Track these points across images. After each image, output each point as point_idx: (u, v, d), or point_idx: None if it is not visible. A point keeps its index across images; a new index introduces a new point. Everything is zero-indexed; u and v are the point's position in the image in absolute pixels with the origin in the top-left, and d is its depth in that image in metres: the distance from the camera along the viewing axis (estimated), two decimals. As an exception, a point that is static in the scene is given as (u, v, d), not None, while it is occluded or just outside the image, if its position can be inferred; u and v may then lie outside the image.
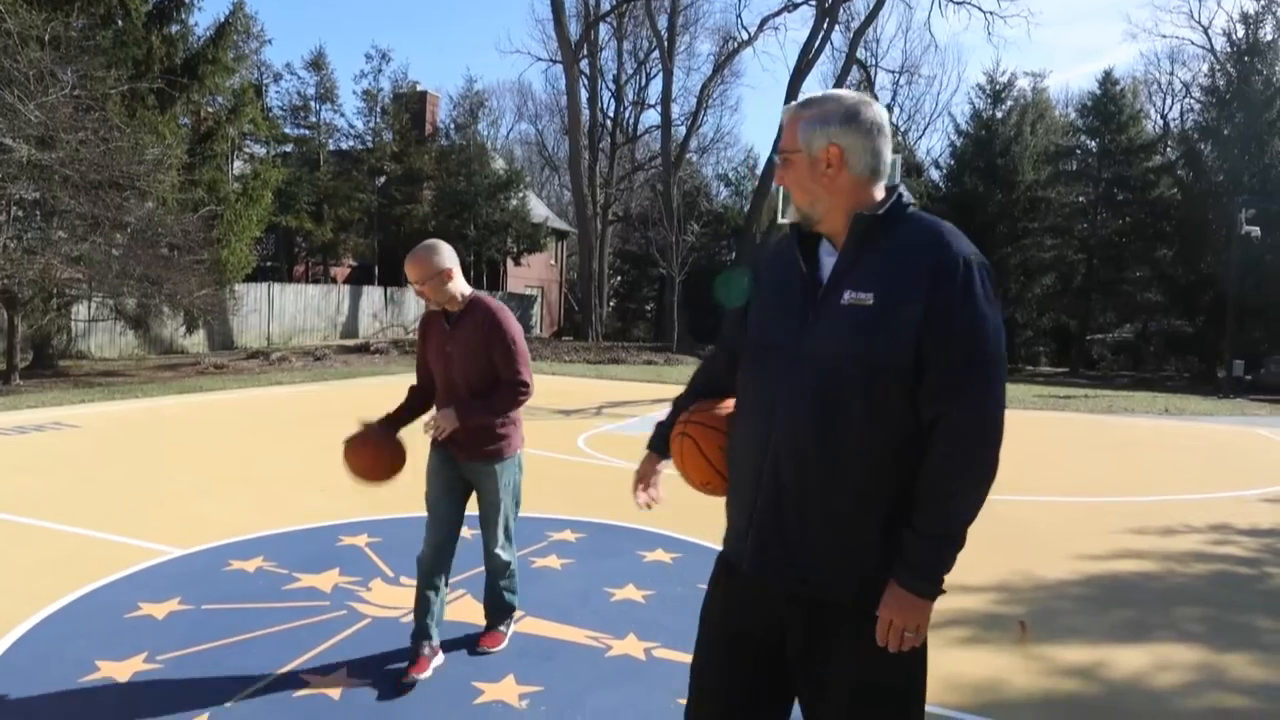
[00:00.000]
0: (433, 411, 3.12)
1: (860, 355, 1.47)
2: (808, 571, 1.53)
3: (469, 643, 3.36)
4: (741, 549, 1.62)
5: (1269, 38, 24.25)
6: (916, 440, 1.48)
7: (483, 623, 3.43)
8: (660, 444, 1.94)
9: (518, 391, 3.07)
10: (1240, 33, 23.96)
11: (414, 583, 3.29)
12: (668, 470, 1.95)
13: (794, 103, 1.62)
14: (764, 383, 1.59)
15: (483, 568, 3.35)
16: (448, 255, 3.08)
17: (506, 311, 3.14)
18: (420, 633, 3.13)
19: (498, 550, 3.25)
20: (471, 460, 3.14)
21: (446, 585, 3.22)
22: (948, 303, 1.44)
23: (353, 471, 3.03)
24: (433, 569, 3.13)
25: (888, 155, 1.60)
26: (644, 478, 1.97)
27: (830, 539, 1.51)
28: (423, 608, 3.13)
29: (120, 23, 13.61)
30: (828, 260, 1.58)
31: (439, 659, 3.13)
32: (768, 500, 1.56)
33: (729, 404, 1.77)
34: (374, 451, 3.02)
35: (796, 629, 1.56)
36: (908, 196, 1.58)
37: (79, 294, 12.96)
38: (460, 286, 3.10)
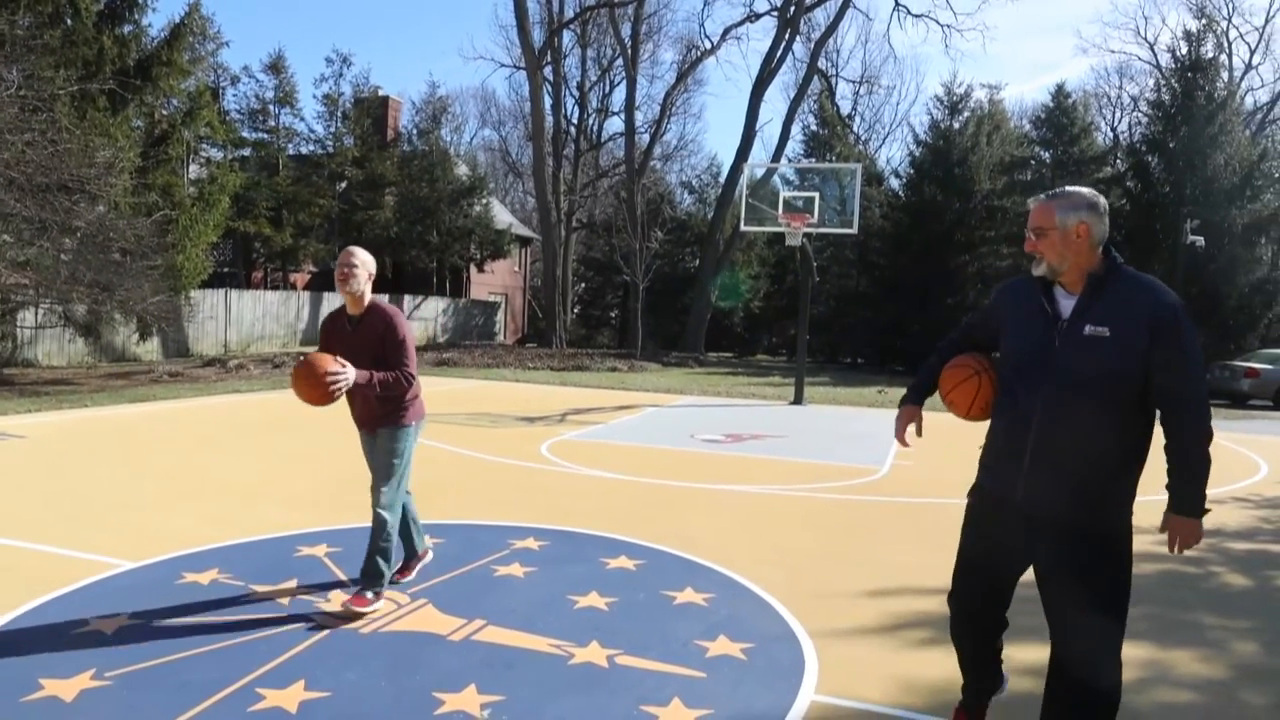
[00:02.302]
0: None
1: (1101, 369, 2.26)
2: (1060, 505, 2.33)
3: (429, 653, 3.32)
4: (1012, 488, 2.41)
5: (1210, 54, 25.10)
6: (1131, 424, 2.29)
7: (443, 631, 3.39)
8: (918, 396, 2.74)
9: (404, 377, 3.70)
10: (1184, 49, 24.74)
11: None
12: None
13: (1047, 194, 2.40)
14: (1025, 382, 2.39)
15: (447, 575, 3.33)
16: (373, 264, 3.82)
17: (400, 314, 3.77)
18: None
19: (379, 508, 3.73)
20: (378, 429, 3.80)
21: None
22: (1172, 334, 2.23)
23: (303, 390, 3.55)
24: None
25: (1107, 228, 2.38)
26: (913, 418, 2.74)
27: (1075, 485, 2.30)
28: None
29: (70, 22, 13.26)
30: (1064, 302, 2.38)
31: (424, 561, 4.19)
32: (1035, 459, 2.35)
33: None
34: (306, 367, 3.49)
35: (1044, 541, 2.38)
36: (1116, 255, 2.37)
37: (25, 300, 12.56)
38: (369, 293, 3.76)
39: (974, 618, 2.67)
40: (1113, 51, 49.47)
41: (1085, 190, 2.38)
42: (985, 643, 2.73)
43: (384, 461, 3.80)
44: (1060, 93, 26.87)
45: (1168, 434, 2.30)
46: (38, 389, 12.07)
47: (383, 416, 3.82)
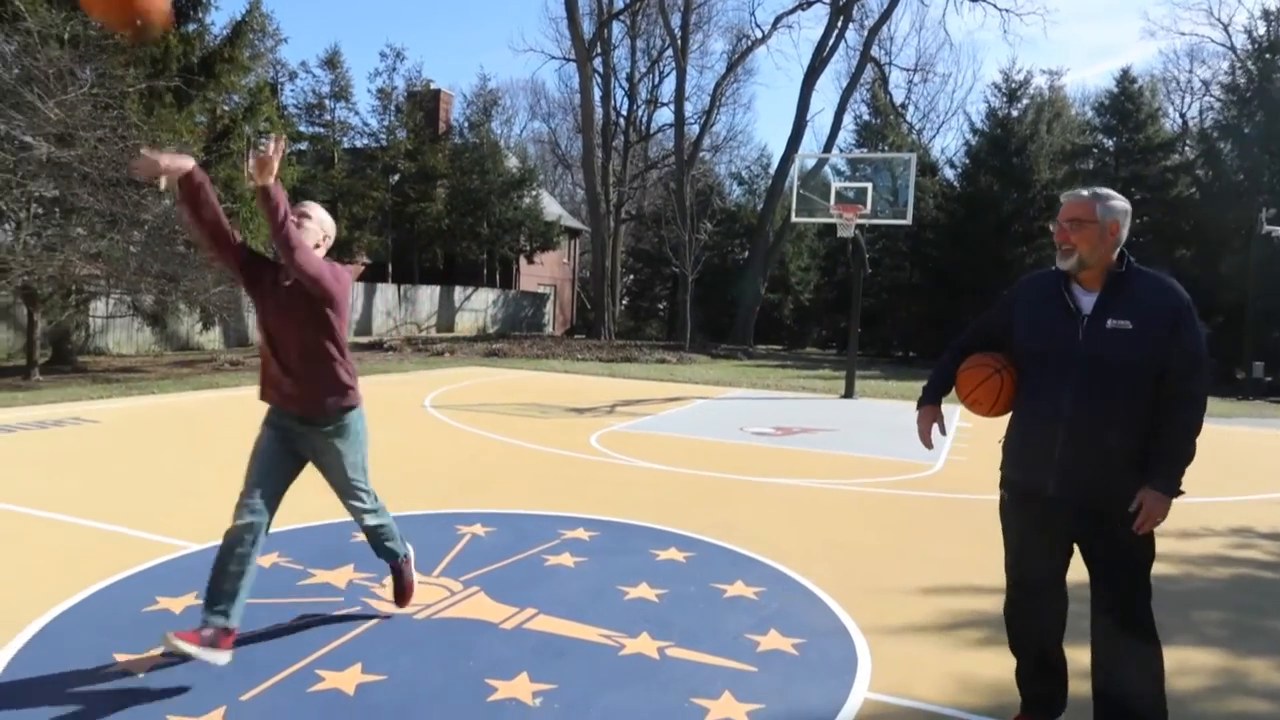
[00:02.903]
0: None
1: (1126, 359, 2.42)
2: (1097, 492, 2.47)
3: (482, 640, 3.37)
4: (1044, 479, 2.53)
5: (1291, 35, 23.93)
6: (1152, 409, 2.44)
7: (494, 619, 3.43)
8: (935, 396, 2.80)
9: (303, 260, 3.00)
10: (1261, 30, 23.64)
11: (428, 579, 3.41)
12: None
13: (1089, 191, 2.55)
14: (1048, 373, 2.52)
15: (498, 564, 3.35)
16: (331, 226, 3.24)
17: (345, 272, 3.19)
18: (219, 608, 2.92)
19: (370, 517, 3.41)
20: (317, 416, 3.19)
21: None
22: (1184, 330, 2.41)
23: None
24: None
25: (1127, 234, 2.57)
26: (935, 419, 2.79)
27: (1105, 471, 2.45)
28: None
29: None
30: (1084, 298, 2.53)
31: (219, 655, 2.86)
32: (1066, 447, 2.48)
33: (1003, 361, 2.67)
34: None
35: (1082, 525, 2.53)
36: (1130, 256, 2.54)
37: (97, 290, 13.07)
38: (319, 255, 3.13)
39: (1033, 613, 2.70)
40: (1183, 34, 47.34)
41: (1120, 195, 2.58)
42: (1049, 641, 2.69)
43: (341, 466, 3.24)
44: (1126, 78, 25.93)
45: (1164, 421, 2.44)
46: (109, 376, 12.57)
47: (326, 396, 3.11)
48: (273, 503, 3.15)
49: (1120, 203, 2.54)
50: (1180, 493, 2.43)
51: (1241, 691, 3.26)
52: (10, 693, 2.82)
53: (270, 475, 3.16)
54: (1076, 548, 2.62)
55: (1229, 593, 4.42)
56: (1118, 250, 2.53)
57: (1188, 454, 2.44)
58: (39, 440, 7.35)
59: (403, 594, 3.54)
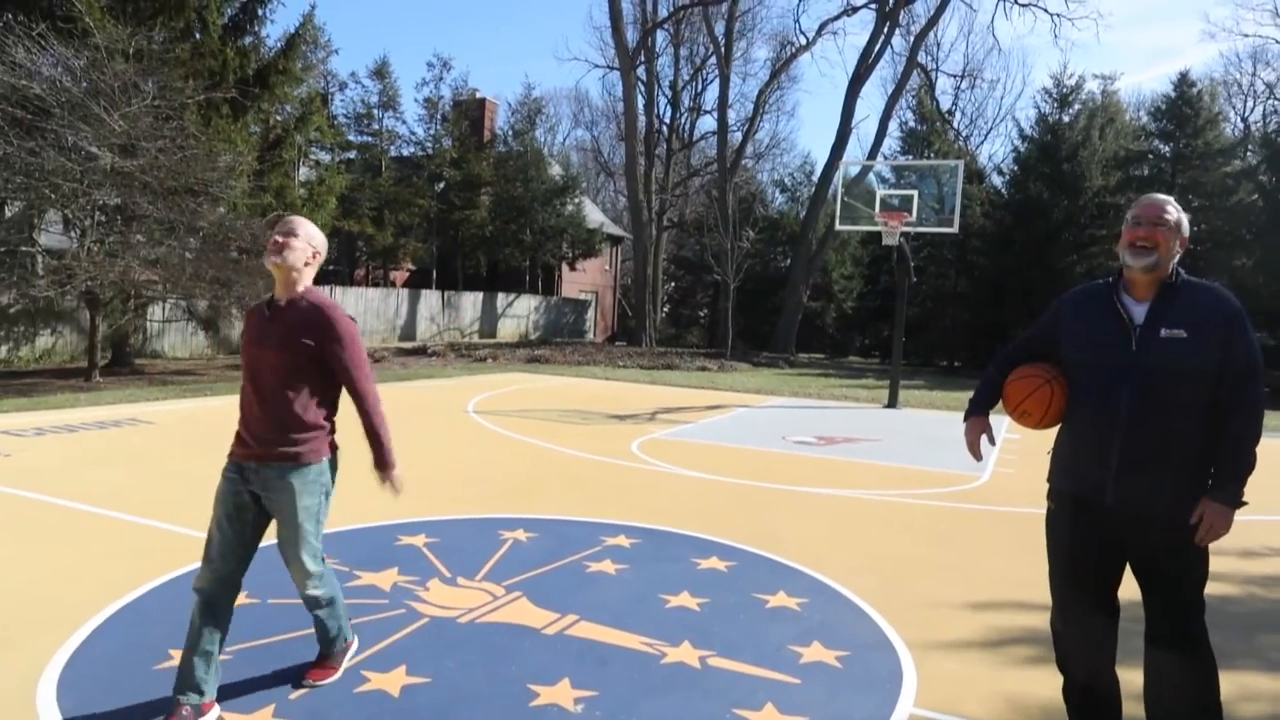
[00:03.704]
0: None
1: (1181, 367, 2.42)
2: (1157, 500, 2.43)
3: (524, 645, 3.39)
4: (1098, 489, 2.50)
5: (1360, 36, 23.03)
6: (1210, 416, 2.42)
7: (536, 625, 3.44)
8: (983, 408, 2.79)
9: (373, 408, 2.96)
10: (1328, 31, 22.82)
11: (471, 583, 3.43)
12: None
13: (1160, 196, 2.56)
14: (1102, 383, 2.50)
15: (540, 570, 3.35)
16: (321, 242, 2.87)
17: (339, 309, 2.84)
18: (192, 684, 2.66)
19: (309, 589, 2.97)
20: (273, 463, 2.84)
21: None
22: (1238, 337, 2.41)
23: None
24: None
25: None
26: (983, 428, 2.77)
27: (1166, 479, 2.42)
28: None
29: (198, 35, 14.16)
30: (1135, 308, 2.53)
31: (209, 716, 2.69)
32: (1122, 456, 2.45)
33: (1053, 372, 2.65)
34: None
35: (1138, 537, 2.48)
36: (1179, 270, 2.54)
37: (155, 295, 13.50)
38: (308, 278, 2.84)
39: (1083, 629, 2.62)
40: (1245, 35, 45.89)
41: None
42: (1100, 661, 2.61)
43: (289, 517, 2.80)
44: (1184, 81, 25.16)
45: (1225, 430, 2.43)
46: (165, 378, 12.95)
47: (282, 443, 2.77)
48: None
49: (1186, 217, 2.60)
50: (1243, 503, 2.40)
51: (1309, 719, 3.13)
52: (69, 686, 2.92)
53: None
54: (1127, 567, 2.56)
55: (1294, 615, 4.24)
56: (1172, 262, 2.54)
57: (1248, 463, 2.42)
58: (99, 440, 7.60)
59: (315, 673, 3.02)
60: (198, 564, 4.17)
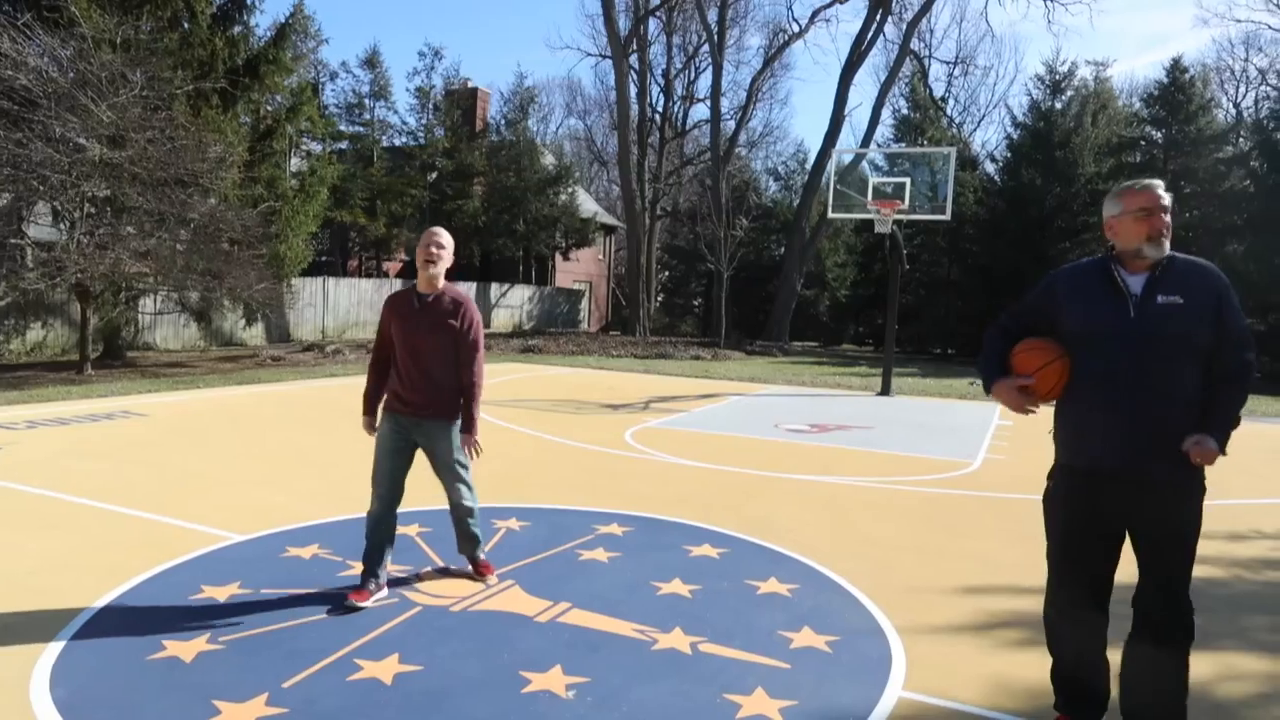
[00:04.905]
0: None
1: (1179, 332, 2.51)
2: (1158, 464, 2.52)
3: (516, 633, 3.41)
4: (1108, 458, 2.57)
5: (1351, 21, 23.06)
6: (1204, 380, 2.54)
7: (529, 612, 3.47)
8: (1001, 372, 2.80)
9: (476, 377, 3.77)
10: (1320, 17, 22.84)
11: (465, 573, 3.75)
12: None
13: (1159, 182, 2.63)
14: (1103, 354, 2.57)
15: (534, 558, 3.39)
16: (453, 248, 3.80)
17: (471, 300, 3.79)
18: (373, 572, 3.71)
19: (471, 500, 3.92)
20: (432, 418, 3.74)
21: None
22: (1228, 309, 2.55)
23: None
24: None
25: None
26: (1016, 385, 2.74)
27: (1170, 443, 2.49)
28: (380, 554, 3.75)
29: (186, 25, 14.04)
30: (1132, 280, 2.61)
31: (382, 593, 3.71)
32: (1125, 422, 2.53)
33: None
34: None
35: (1137, 503, 2.56)
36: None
37: (146, 287, 13.45)
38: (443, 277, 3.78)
39: (1079, 603, 2.67)
40: (1238, 21, 46.02)
41: None
42: (1092, 634, 2.67)
43: (450, 457, 3.78)
44: (1176, 67, 25.14)
45: (1220, 388, 2.55)
46: (157, 370, 12.92)
47: (440, 403, 3.74)
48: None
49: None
50: (1225, 451, 2.53)
51: (1291, 699, 3.17)
52: (67, 675, 2.93)
53: None
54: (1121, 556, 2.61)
55: (1279, 597, 4.29)
56: None
57: (1234, 419, 2.55)
58: (92, 432, 7.59)
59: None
60: (191, 556, 4.20)
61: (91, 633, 3.28)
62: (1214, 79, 33.31)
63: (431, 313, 3.67)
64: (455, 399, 3.73)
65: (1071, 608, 2.67)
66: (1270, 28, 40.30)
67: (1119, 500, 2.58)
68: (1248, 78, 36.26)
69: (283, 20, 15.94)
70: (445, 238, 3.72)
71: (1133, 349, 2.54)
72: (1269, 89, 29.98)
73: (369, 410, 3.83)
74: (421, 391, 3.67)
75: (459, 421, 3.77)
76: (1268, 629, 3.82)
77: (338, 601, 3.64)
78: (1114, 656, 2.71)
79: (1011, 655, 3.42)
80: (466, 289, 27.84)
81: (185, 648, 3.15)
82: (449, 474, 3.81)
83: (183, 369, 13.40)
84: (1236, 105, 34.54)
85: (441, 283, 3.72)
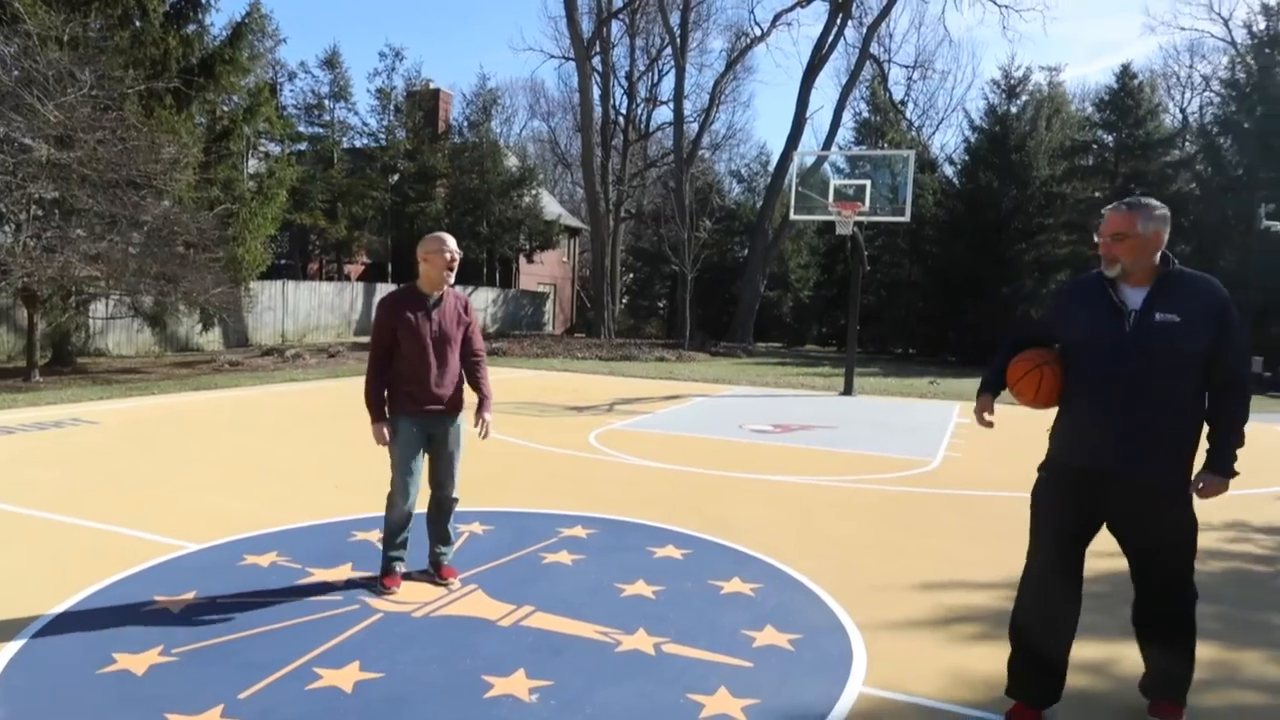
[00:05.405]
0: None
1: (1175, 348, 2.63)
2: (1149, 468, 2.67)
3: (479, 637, 3.39)
4: (1099, 460, 2.71)
5: (1290, 29, 23.90)
6: (1200, 393, 2.68)
7: (492, 616, 3.45)
8: (990, 388, 3.02)
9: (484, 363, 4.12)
10: (1261, 25, 23.58)
11: (425, 577, 3.82)
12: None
13: (1126, 203, 2.75)
14: (1098, 365, 2.71)
15: (497, 562, 3.37)
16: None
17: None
18: (399, 557, 3.98)
19: (456, 495, 4.07)
20: (449, 414, 3.91)
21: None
22: (1229, 324, 2.65)
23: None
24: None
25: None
26: (988, 407, 3.01)
27: (1162, 450, 2.66)
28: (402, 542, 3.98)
29: (138, 23, 13.71)
30: (1132, 295, 2.72)
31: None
32: (1124, 429, 2.66)
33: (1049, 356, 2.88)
34: None
35: (1128, 504, 2.72)
36: (1171, 257, 2.75)
37: (97, 292, 13.09)
38: None
39: (1053, 590, 2.83)
40: (1183, 29, 47.55)
41: (1159, 203, 2.75)
42: (1062, 620, 2.82)
43: (455, 451, 3.98)
44: (1125, 73, 25.84)
45: (1217, 409, 2.69)
46: (109, 377, 12.59)
47: (457, 399, 3.95)
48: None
49: (1161, 211, 2.73)
50: (1235, 473, 2.71)
51: (1235, 684, 3.28)
52: (10, 692, 2.84)
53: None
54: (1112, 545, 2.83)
55: (1224, 586, 4.43)
56: (1159, 253, 2.72)
57: (1240, 437, 2.69)
58: (39, 442, 7.37)
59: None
60: (144, 566, 4.10)
61: (37, 647, 3.19)
62: (1161, 85, 34.27)
63: (447, 311, 3.87)
64: (462, 393, 3.96)
65: (1053, 581, 2.83)
66: (1213, 35, 41.66)
67: (1111, 504, 2.74)
68: (1192, 84, 37.40)
69: (239, 19, 15.63)
70: (454, 244, 3.94)
71: (1128, 360, 2.66)
72: (1212, 95, 30.96)
73: (382, 416, 3.81)
74: (447, 387, 3.86)
75: (462, 413, 3.99)
76: (1212, 617, 3.93)
77: (297, 610, 3.58)
78: (1080, 649, 2.78)
79: (969, 649, 3.48)
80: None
81: (137, 660, 3.08)
82: (451, 467, 3.97)
83: (136, 375, 13.08)
84: (1183, 110, 35.58)
85: (445, 285, 3.94)
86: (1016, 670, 2.88)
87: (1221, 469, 2.70)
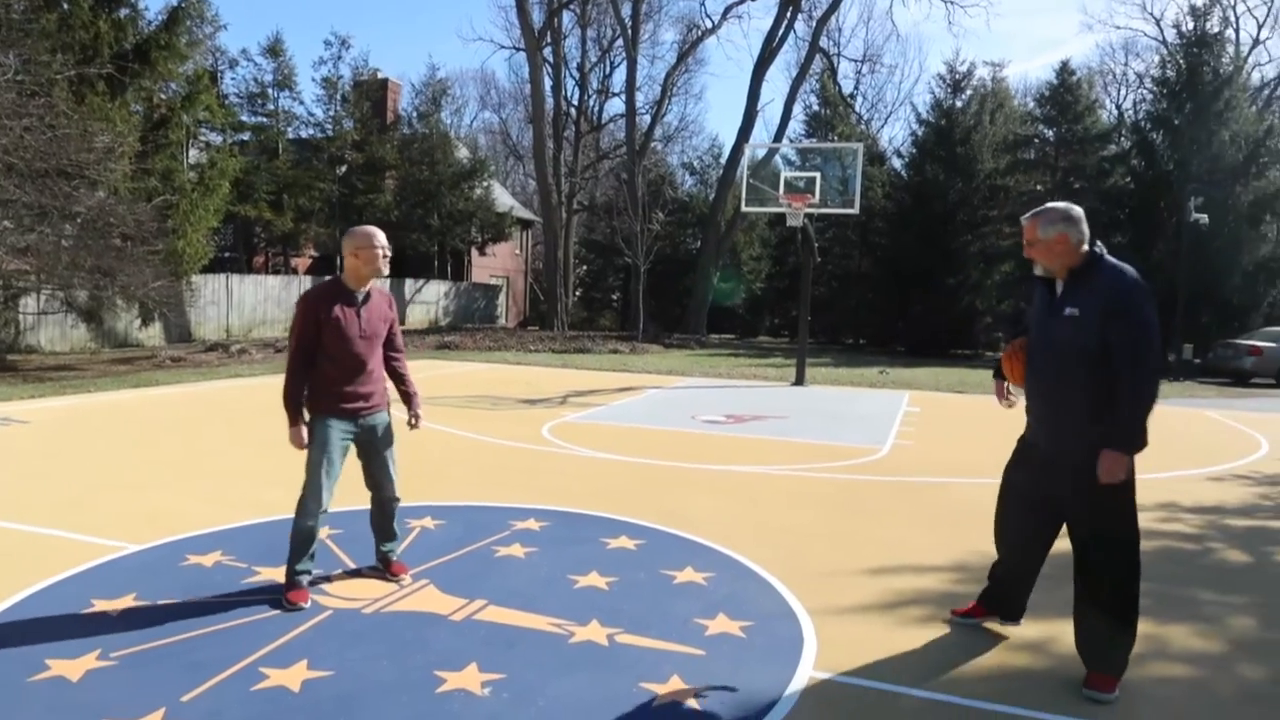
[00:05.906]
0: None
1: (1072, 340, 2.95)
2: (1062, 446, 3.06)
3: (431, 633, 3.35)
4: (1036, 435, 3.20)
5: (1216, 29, 24.84)
6: (1103, 380, 2.90)
7: (444, 611, 3.42)
8: (998, 374, 3.50)
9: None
10: (1190, 25, 24.49)
11: (376, 574, 3.72)
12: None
13: (1031, 213, 3.09)
14: (1033, 352, 3.16)
15: (449, 556, 3.34)
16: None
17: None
18: (306, 570, 3.70)
19: (398, 495, 4.00)
20: (379, 411, 3.83)
21: None
22: (1126, 312, 2.85)
23: None
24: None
25: (1087, 232, 3.02)
26: (999, 392, 3.52)
27: (1072, 428, 3.01)
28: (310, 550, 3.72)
29: (65, 6, 13.17)
30: (1059, 290, 3.04)
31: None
32: (1046, 410, 3.11)
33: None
34: None
35: (1064, 476, 3.05)
36: (1100, 249, 2.99)
37: (27, 286, 12.58)
38: None
39: (1012, 525, 3.37)
40: (1118, 28, 49.24)
41: (1060, 205, 3.04)
42: (1025, 548, 3.36)
43: (390, 447, 3.89)
44: (1065, 70, 26.57)
45: (1119, 390, 2.88)
46: (41, 375, 12.11)
47: (383, 397, 3.88)
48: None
49: (1060, 214, 3.00)
50: (1140, 447, 2.90)
51: (1162, 657, 3.42)
52: (-64, 702, 2.72)
53: None
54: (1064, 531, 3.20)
55: (1153, 564, 4.59)
56: (1082, 249, 2.98)
57: (1137, 416, 2.88)
58: (-34, 442, 7.05)
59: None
60: (81, 569, 3.96)
61: (-34, 655, 3.06)
62: (1098, 81, 35.35)
63: (374, 308, 3.77)
64: (386, 389, 3.89)
65: (1007, 526, 3.38)
66: (1146, 35, 43.06)
67: (1048, 472, 3.12)
68: (1127, 81, 38.69)
69: (175, 3, 15.14)
70: (379, 237, 3.80)
71: (1044, 350, 3.07)
72: (1145, 92, 32.02)
73: (299, 419, 3.63)
74: (374, 386, 3.79)
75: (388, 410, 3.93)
76: (1143, 594, 4.07)
77: (242, 610, 3.51)
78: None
79: (915, 632, 3.56)
80: (382, 284, 27.17)
81: (72, 666, 2.98)
82: (386, 465, 3.87)
83: (71, 372, 12.60)
84: (1118, 106, 36.75)
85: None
86: (990, 576, 3.54)
87: (1114, 443, 2.89)
